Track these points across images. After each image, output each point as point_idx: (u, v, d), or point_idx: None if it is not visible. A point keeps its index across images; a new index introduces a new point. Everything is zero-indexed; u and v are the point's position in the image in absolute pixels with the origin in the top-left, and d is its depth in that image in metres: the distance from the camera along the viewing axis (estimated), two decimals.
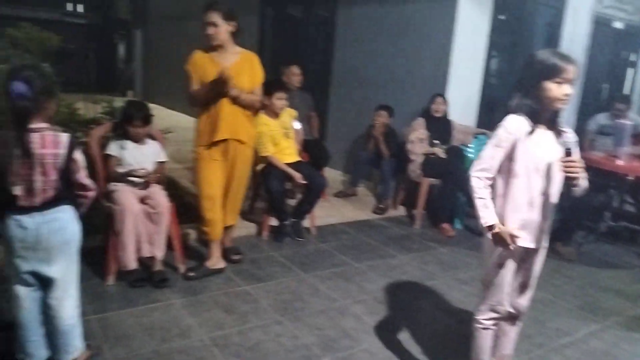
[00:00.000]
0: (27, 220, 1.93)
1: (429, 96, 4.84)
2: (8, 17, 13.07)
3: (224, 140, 3.12)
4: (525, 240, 2.01)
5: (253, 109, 3.25)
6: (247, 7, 7.68)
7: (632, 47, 7.45)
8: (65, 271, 2.04)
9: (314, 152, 4.93)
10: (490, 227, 1.94)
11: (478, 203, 1.96)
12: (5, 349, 2.15)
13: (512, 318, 2.24)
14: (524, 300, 2.20)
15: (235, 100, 3.07)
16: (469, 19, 4.86)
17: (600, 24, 6.45)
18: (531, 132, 1.93)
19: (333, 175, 5.73)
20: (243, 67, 3.10)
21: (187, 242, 3.63)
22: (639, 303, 3.41)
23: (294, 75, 4.99)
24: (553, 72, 1.88)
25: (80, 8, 15.67)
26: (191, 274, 3.19)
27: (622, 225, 4.64)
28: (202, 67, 3.07)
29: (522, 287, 2.18)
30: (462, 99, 5.05)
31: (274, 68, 7.76)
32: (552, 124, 1.99)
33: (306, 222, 4.20)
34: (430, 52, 5.06)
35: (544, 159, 1.96)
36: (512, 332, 2.28)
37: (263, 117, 3.88)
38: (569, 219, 4.08)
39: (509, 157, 1.97)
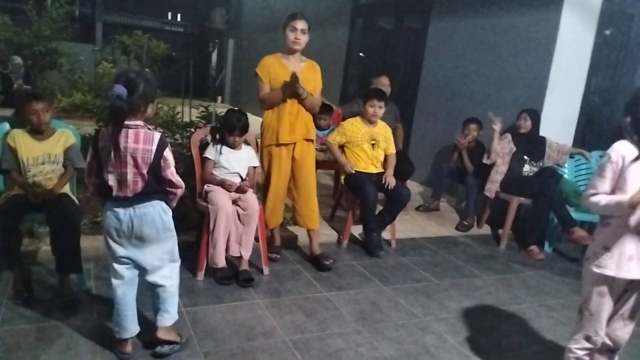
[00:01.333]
0: (121, 211, 2.11)
1: None
2: (116, 24, 14.25)
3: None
4: (635, 272, 1.91)
5: (313, 111, 3.49)
6: (337, 18, 7.83)
7: None
8: (161, 254, 2.22)
9: (398, 163, 4.90)
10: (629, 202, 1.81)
11: (606, 204, 1.89)
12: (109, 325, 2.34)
13: (609, 351, 2.14)
14: (624, 333, 2.10)
15: (301, 101, 3.32)
16: (572, 33, 4.61)
17: None
18: (637, 158, 1.85)
19: (414, 188, 5.65)
20: (308, 74, 3.35)
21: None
22: None
23: (383, 86, 4.99)
24: None
25: (179, 17, 16.71)
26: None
27: None
28: (273, 71, 3.30)
29: (624, 319, 2.07)
30: (559, 117, 4.80)
31: (361, 79, 7.80)
32: None
33: (386, 234, 4.18)
34: (527, 67, 4.86)
35: None
36: None
37: (356, 119, 4.09)
38: None
39: (619, 186, 1.89)
